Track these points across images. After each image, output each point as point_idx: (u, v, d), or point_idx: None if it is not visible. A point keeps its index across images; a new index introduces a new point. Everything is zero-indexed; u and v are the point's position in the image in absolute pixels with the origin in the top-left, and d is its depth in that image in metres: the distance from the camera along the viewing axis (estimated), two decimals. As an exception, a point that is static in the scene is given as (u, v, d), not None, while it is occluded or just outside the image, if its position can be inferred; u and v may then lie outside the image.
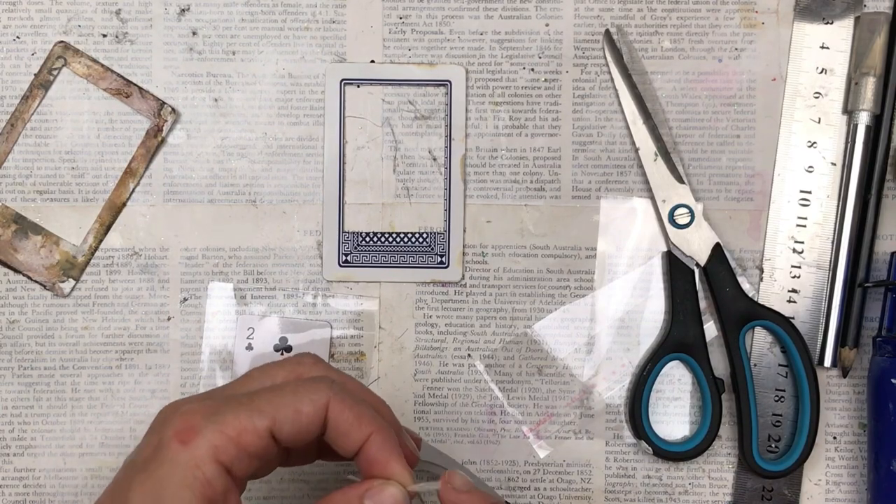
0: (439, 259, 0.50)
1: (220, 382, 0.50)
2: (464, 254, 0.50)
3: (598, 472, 0.50)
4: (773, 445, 0.50)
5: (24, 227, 0.50)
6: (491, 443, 0.50)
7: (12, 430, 0.50)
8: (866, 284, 0.49)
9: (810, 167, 0.50)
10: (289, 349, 0.50)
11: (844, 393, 0.50)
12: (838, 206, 0.49)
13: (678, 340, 0.49)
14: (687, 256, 0.49)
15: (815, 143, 0.50)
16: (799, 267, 0.49)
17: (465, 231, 0.50)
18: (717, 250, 0.49)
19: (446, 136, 0.50)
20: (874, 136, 0.49)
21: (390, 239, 0.50)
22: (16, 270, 0.50)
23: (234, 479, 0.35)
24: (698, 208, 0.49)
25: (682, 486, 0.50)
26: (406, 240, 0.50)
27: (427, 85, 0.50)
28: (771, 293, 0.50)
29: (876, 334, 0.49)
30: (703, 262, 0.49)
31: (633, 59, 0.50)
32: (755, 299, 0.49)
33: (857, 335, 0.49)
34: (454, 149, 0.50)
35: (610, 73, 0.50)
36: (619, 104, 0.50)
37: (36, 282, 0.50)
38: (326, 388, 0.37)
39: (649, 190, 0.50)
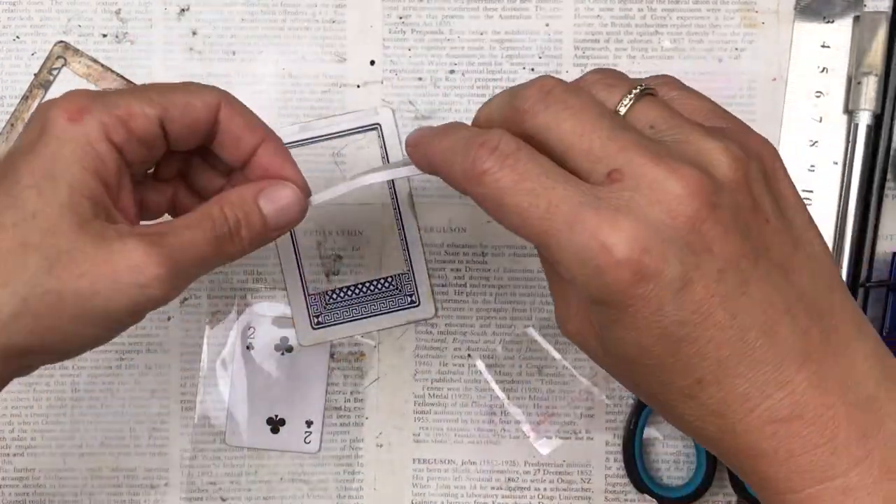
0: (409, 299, 0.50)
1: (221, 382, 0.50)
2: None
3: (598, 472, 0.50)
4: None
5: (25, 227, 0.50)
6: (491, 443, 0.50)
7: (12, 430, 0.50)
8: (868, 284, 0.49)
9: (812, 166, 0.49)
10: (289, 349, 0.50)
11: (845, 393, 0.50)
12: (840, 205, 0.49)
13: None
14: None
15: (816, 142, 0.49)
16: (801, 267, 0.49)
17: (428, 265, 0.50)
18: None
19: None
20: (875, 136, 0.49)
21: (356, 290, 0.50)
22: (16, 270, 0.50)
23: (126, 162, 0.35)
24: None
25: (682, 487, 0.50)
26: (372, 287, 0.50)
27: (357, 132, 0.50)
28: (773, 293, 0.49)
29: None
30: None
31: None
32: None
33: (860, 335, 0.49)
34: (399, 187, 0.50)
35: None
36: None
37: (36, 282, 0.50)
38: (217, 91, 0.36)
39: (649, 190, 0.50)
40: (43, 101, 0.50)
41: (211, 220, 0.35)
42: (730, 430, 0.29)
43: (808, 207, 0.32)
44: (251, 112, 0.38)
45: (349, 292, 0.50)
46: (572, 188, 0.28)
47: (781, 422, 0.29)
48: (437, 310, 0.50)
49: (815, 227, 0.31)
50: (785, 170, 0.31)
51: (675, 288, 0.28)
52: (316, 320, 0.50)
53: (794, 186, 0.31)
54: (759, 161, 0.30)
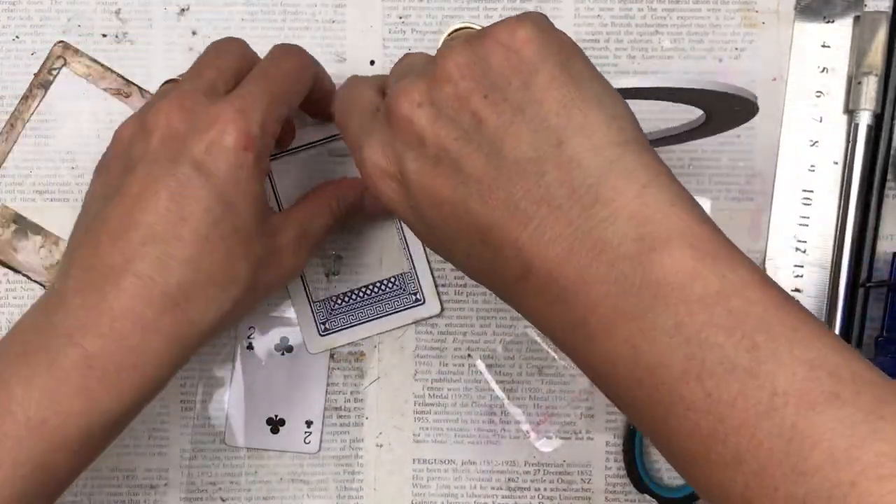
0: (414, 298, 0.50)
1: (221, 382, 0.50)
2: (437, 285, 0.50)
3: (598, 472, 0.50)
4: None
5: (24, 227, 0.50)
6: (491, 443, 0.50)
7: (12, 429, 0.50)
8: (868, 284, 0.49)
9: (812, 166, 0.49)
10: (289, 349, 0.50)
11: (846, 393, 0.50)
12: (840, 205, 0.49)
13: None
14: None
15: (816, 142, 0.49)
16: (802, 266, 0.49)
17: (430, 264, 0.50)
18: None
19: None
20: (875, 136, 0.49)
21: (360, 293, 0.50)
22: (15, 270, 0.50)
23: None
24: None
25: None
26: (376, 289, 0.50)
27: None
28: (773, 293, 0.49)
29: (878, 335, 0.49)
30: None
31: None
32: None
33: (861, 335, 0.49)
34: None
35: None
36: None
37: (36, 282, 0.50)
38: (313, 61, 0.44)
39: (650, 190, 0.50)
40: (43, 101, 0.50)
41: (331, 213, 0.45)
42: (504, 290, 0.34)
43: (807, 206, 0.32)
44: (328, 76, 0.45)
45: (353, 296, 0.50)
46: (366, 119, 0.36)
47: (521, 280, 0.32)
48: (442, 306, 0.50)
49: (559, 84, 0.32)
50: (531, 42, 0.32)
51: (403, 179, 0.34)
52: (323, 327, 0.50)
53: (538, 47, 0.32)
54: (486, 49, 0.32)
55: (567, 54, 0.32)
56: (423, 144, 0.33)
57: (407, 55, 0.39)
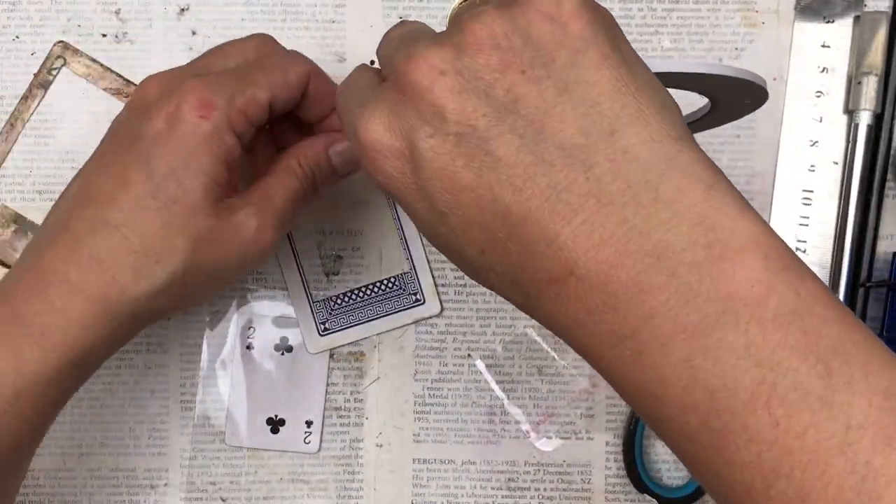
0: (414, 298, 0.50)
1: (221, 382, 0.50)
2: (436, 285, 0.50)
3: (598, 472, 0.50)
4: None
5: (24, 227, 0.50)
6: (491, 443, 0.50)
7: (12, 430, 0.50)
8: (868, 284, 0.49)
9: (812, 166, 0.49)
10: (289, 349, 0.50)
11: (846, 393, 0.50)
12: (840, 205, 0.49)
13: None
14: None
15: (816, 142, 0.49)
16: (801, 266, 0.49)
17: (429, 264, 0.50)
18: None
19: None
20: (875, 136, 0.49)
21: (360, 293, 0.50)
22: (16, 270, 0.50)
23: (242, 147, 0.40)
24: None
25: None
26: (376, 289, 0.50)
27: None
28: (773, 293, 0.49)
29: (878, 335, 0.49)
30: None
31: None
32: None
33: (860, 335, 0.49)
34: None
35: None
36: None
37: (36, 282, 0.50)
38: (305, 61, 0.42)
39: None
40: (42, 101, 0.50)
41: (295, 176, 0.42)
42: (525, 294, 0.29)
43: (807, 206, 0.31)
44: (328, 77, 0.43)
45: (353, 296, 0.50)
46: (361, 90, 0.33)
47: (557, 282, 0.28)
48: (442, 306, 0.50)
49: (611, 66, 0.28)
50: (579, 16, 0.29)
51: (413, 157, 0.29)
52: (323, 327, 0.50)
53: (587, 22, 0.29)
54: (527, 18, 0.29)
55: (615, 33, 0.29)
56: (443, 119, 0.29)
57: (402, 22, 0.36)
